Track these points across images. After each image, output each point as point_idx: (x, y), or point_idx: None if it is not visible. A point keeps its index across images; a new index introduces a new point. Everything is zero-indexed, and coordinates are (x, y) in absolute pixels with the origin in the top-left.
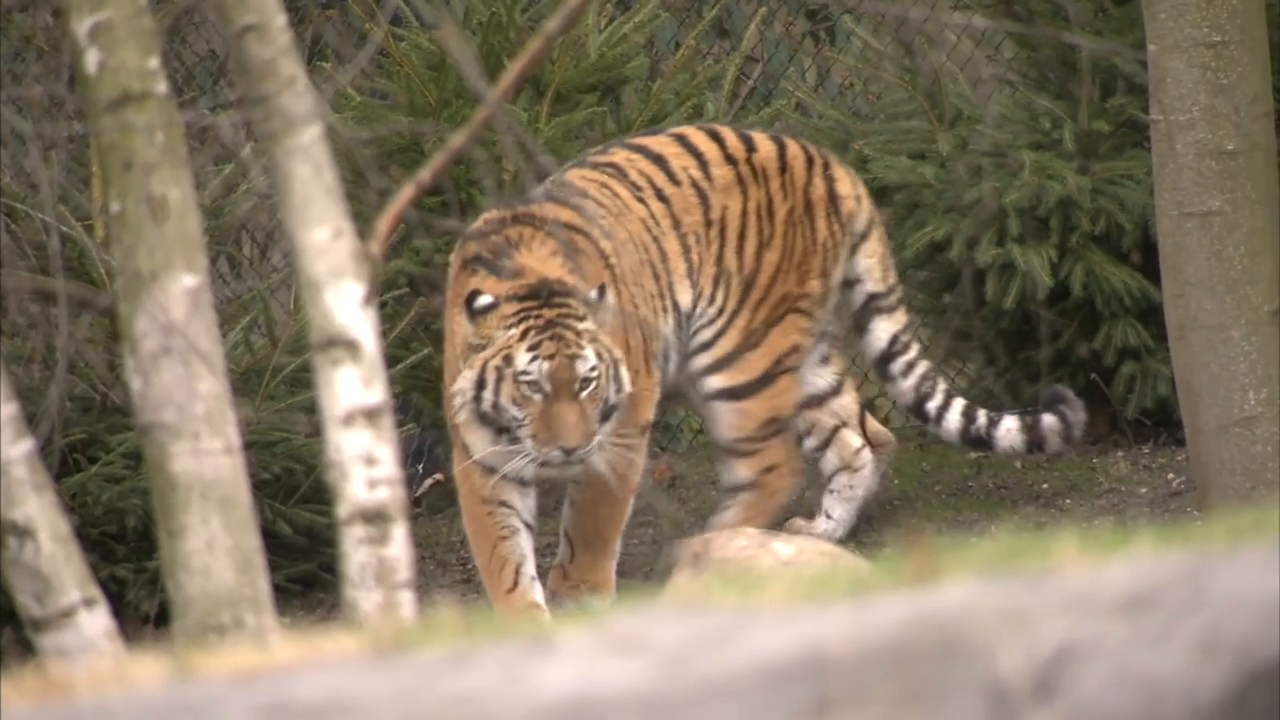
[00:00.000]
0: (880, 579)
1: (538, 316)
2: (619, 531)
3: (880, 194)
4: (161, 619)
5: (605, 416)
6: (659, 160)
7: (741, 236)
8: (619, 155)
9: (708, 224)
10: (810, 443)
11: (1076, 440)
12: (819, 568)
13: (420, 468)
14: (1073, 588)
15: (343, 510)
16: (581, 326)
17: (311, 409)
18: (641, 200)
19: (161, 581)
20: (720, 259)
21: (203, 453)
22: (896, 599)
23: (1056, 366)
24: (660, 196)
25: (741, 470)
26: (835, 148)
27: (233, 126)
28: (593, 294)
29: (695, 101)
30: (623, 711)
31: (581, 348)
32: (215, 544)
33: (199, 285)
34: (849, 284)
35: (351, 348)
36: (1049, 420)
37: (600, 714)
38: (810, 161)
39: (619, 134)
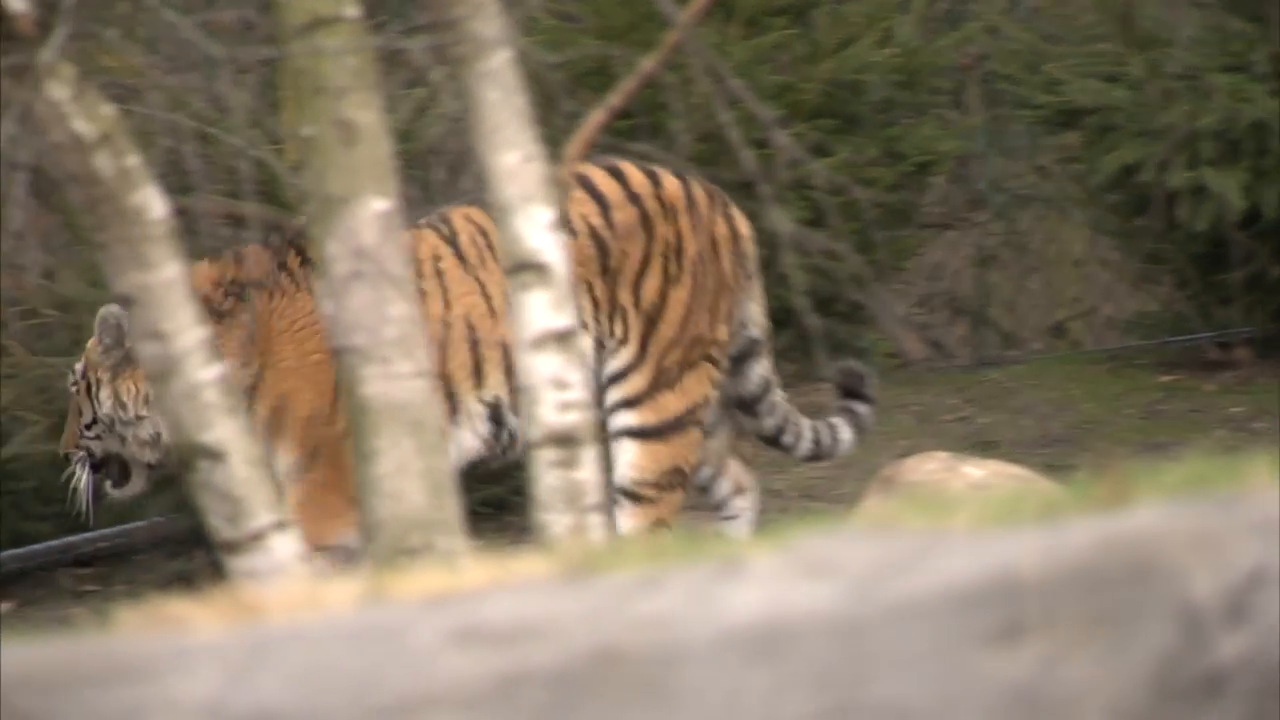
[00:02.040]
0: (1071, 502)
1: None
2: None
3: (1071, 117)
4: None
5: (120, 437)
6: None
7: (642, 274)
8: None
9: (603, 271)
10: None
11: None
12: (1009, 491)
13: None
14: (1265, 512)
15: (533, 433)
16: (90, 343)
17: None
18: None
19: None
20: (614, 297)
21: (393, 376)
22: (1087, 522)
23: (1249, 290)
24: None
25: (630, 522)
26: (1025, 70)
27: (423, 51)
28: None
29: (885, 24)
30: (811, 634)
31: (77, 362)
32: (406, 467)
33: (389, 209)
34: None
35: (541, 272)
36: (863, 410)
37: (789, 636)
38: (712, 199)
39: (809, 59)
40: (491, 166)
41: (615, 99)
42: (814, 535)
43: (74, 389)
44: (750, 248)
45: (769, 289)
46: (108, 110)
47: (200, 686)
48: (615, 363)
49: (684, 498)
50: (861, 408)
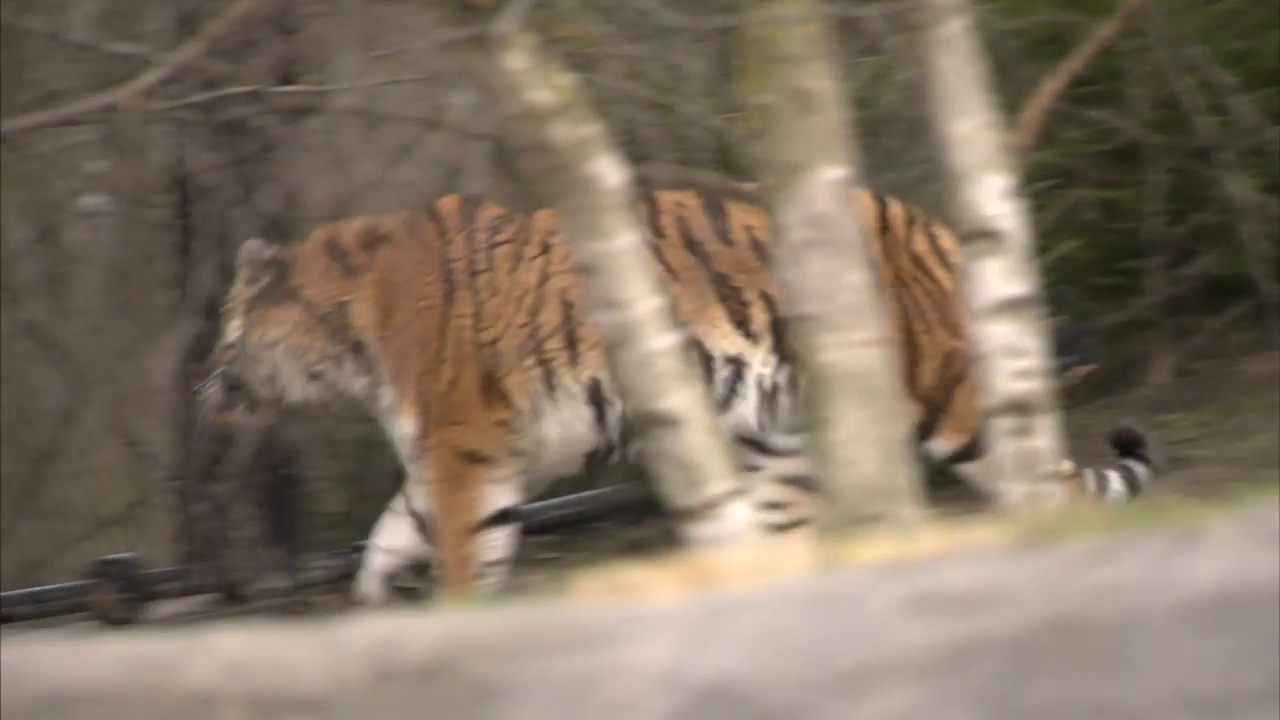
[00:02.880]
0: None
1: None
2: (462, 574)
3: None
4: None
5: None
6: (714, 214)
7: None
8: (673, 197)
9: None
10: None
11: None
12: None
13: (1070, 359)
14: None
15: (989, 401)
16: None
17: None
18: (651, 245)
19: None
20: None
21: (848, 344)
22: None
23: None
24: (692, 248)
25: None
26: None
27: (879, 18)
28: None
29: None
30: (1271, 605)
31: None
32: (861, 435)
33: (844, 177)
34: None
35: (995, 239)
36: (1140, 470)
37: (1247, 606)
38: (911, 220)
39: (1267, 24)
40: (946, 134)
41: (1072, 65)
42: (1273, 505)
43: (224, 311)
44: (958, 261)
45: (1225, 256)
46: (565, 80)
47: (657, 653)
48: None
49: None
50: (1139, 468)
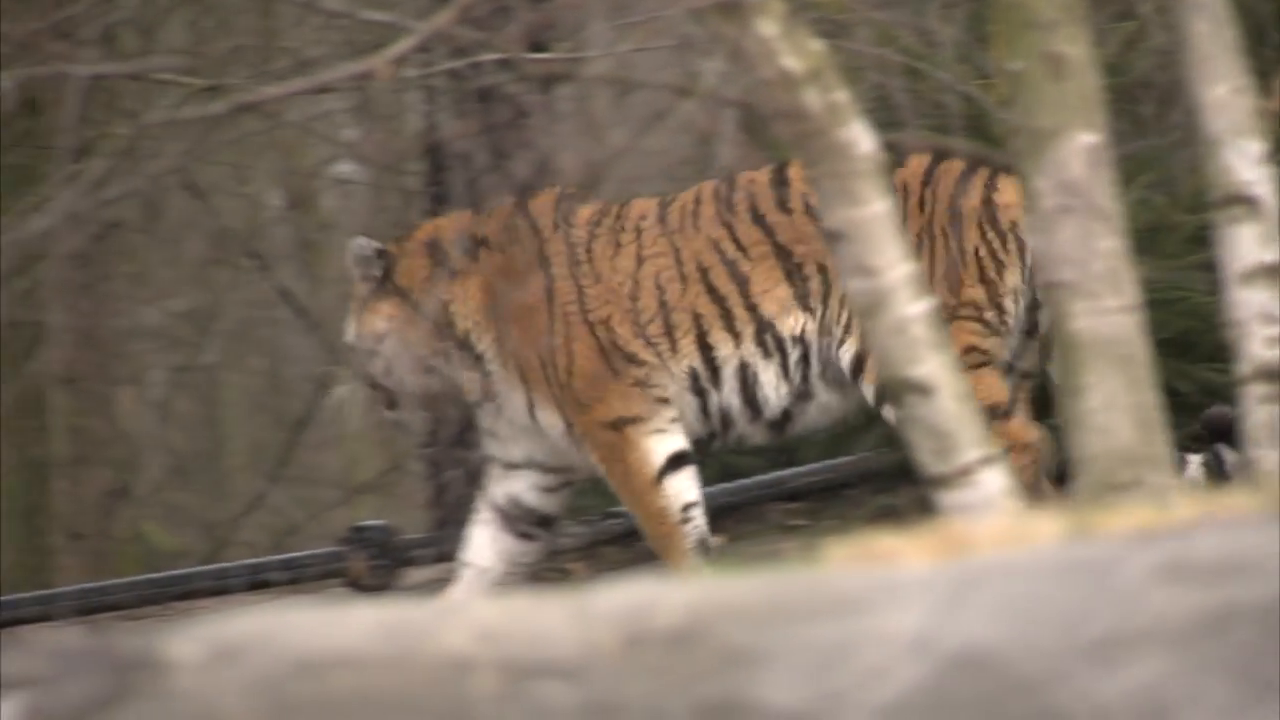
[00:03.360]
0: None
1: None
2: (664, 526)
3: None
4: (1061, 476)
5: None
6: (778, 186)
7: None
8: (747, 175)
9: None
10: None
11: None
12: None
13: None
14: None
15: (1242, 368)
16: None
17: (1210, 267)
18: (726, 224)
19: (1062, 439)
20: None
21: (1101, 311)
22: None
23: None
24: (759, 222)
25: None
26: None
27: None
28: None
29: None
30: None
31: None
32: (1114, 402)
33: (1097, 143)
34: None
35: (1250, 205)
36: (1230, 457)
37: None
38: (969, 171)
39: None
40: (1200, 99)
41: None
42: None
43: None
44: (1016, 215)
45: None
46: (816, 46)
47: (908, 620)
48: (849, 352)
49: (1009, 422)
50: (1229, 455)
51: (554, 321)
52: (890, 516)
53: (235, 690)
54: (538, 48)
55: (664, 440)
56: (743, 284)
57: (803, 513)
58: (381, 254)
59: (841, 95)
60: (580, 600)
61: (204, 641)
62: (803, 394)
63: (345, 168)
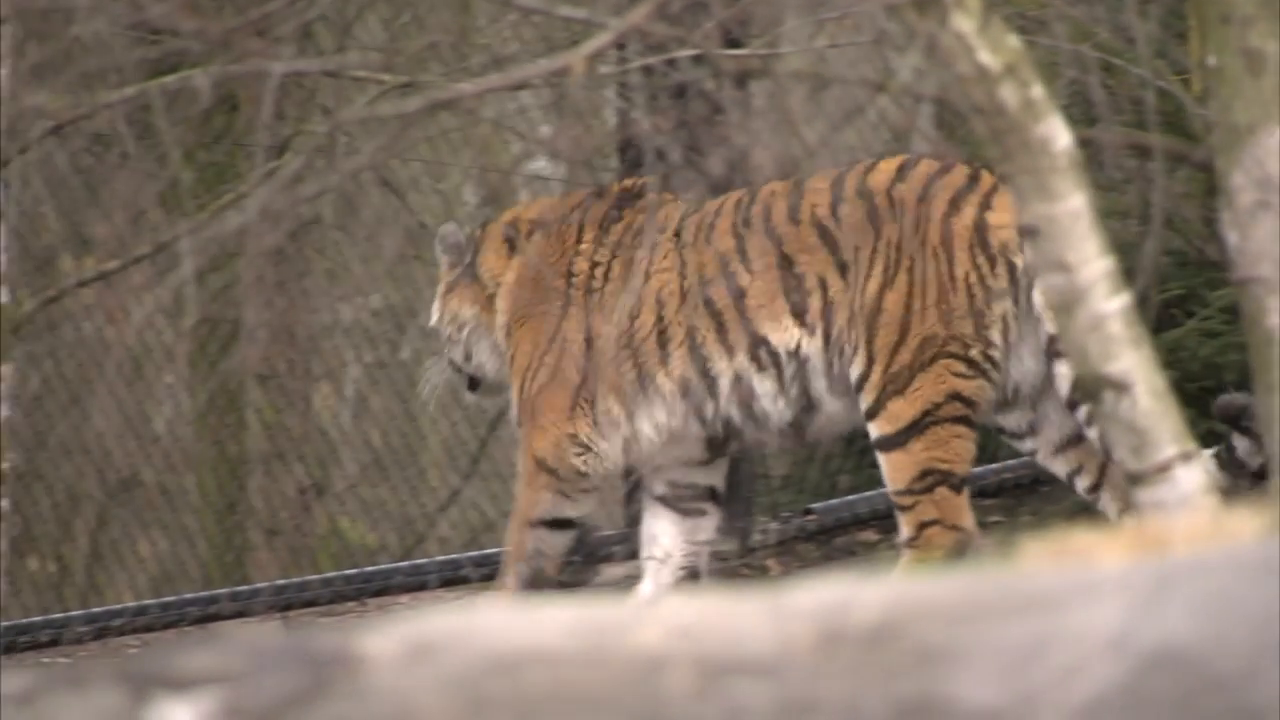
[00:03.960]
0: None
1: None
2: (511, 560)
3: None
4: (1260, 474)
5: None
6: (794, 196)
7: (868, 276)
8: (769, 185)
9: (840, 268)
10: (1081, 483)
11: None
12: None
13: None
14: None
15: None
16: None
17: None
18: (738, 236)
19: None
20: (851, 300)
21: None
22: None
23: None
24: (769, 233)
25: (902, 525)
26: None
27: None
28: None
29: None
30: None
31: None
32: None
33: None
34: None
35: None
36: (1242, 444)
37: None
38: (968, 189)
39: None
40: None
41: None
42: None
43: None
44: (1007, 237)
45: None
46: (1013, 41)
47: (1105, 618)
48: (854, 370)
49: (957, 496)
50: (1240, 442)
51: (553, 341)
52: (1087, 513)
53: (430, 687)
54: (733, 43)
55: (560, 503)
56: (739, 298)
57: (999, 509)
58: (469, 240)
59: (1038, 91)
60: (776, 598)
61: (399, 638)
62: (806, 406)
63: (540, 164)
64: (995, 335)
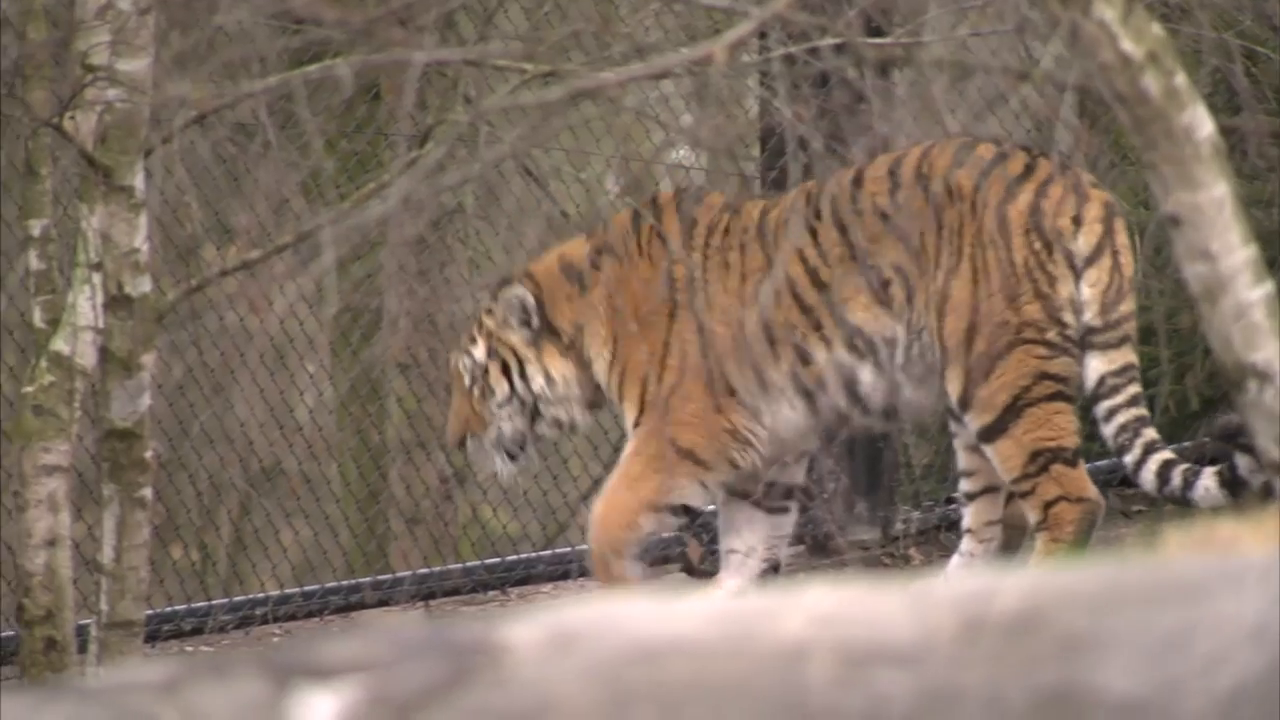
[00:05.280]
0: None
1: (479, 311)
2: (621, 541)
3: None
4: None
5: (531, 415)
6: (855, 187)
7: (936, 264)
8: (831, 180)
9: (914, 255)
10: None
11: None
12: None
13: None
14: None
15: None
16: (487, 322)
17: None
18: (811, 230)
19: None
20: (923, 286)
21: None
22: None
23: None
24: (840, 227)
25: (1028, 512)
26: None
27: None
28: (509, 291)
29: None
30: None
31: (474, 343)
32: None
33: None
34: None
35: None
36: (1243, 462)
37: None
38: (1026, 173)
39: None
40: None
41: None
42: None
43: (472, 370)
44: (1063, 224)
45: None
46: (1156, 29)
47: (1250, 607)
48: (934, 359)
49: (1073, 470)
50: (1243, 459)
51: (671, 343)
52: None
53: (572, 677)
54: (875, 32)
55: (695, 492)
56: (823, 291)
57: (1143, 499)
58: (537, 301)
59: (1181, 79)
60: (918, 587)
61: (542, 628)
62: (893, 390)
63: (682, 153)
64: (1068, 317)
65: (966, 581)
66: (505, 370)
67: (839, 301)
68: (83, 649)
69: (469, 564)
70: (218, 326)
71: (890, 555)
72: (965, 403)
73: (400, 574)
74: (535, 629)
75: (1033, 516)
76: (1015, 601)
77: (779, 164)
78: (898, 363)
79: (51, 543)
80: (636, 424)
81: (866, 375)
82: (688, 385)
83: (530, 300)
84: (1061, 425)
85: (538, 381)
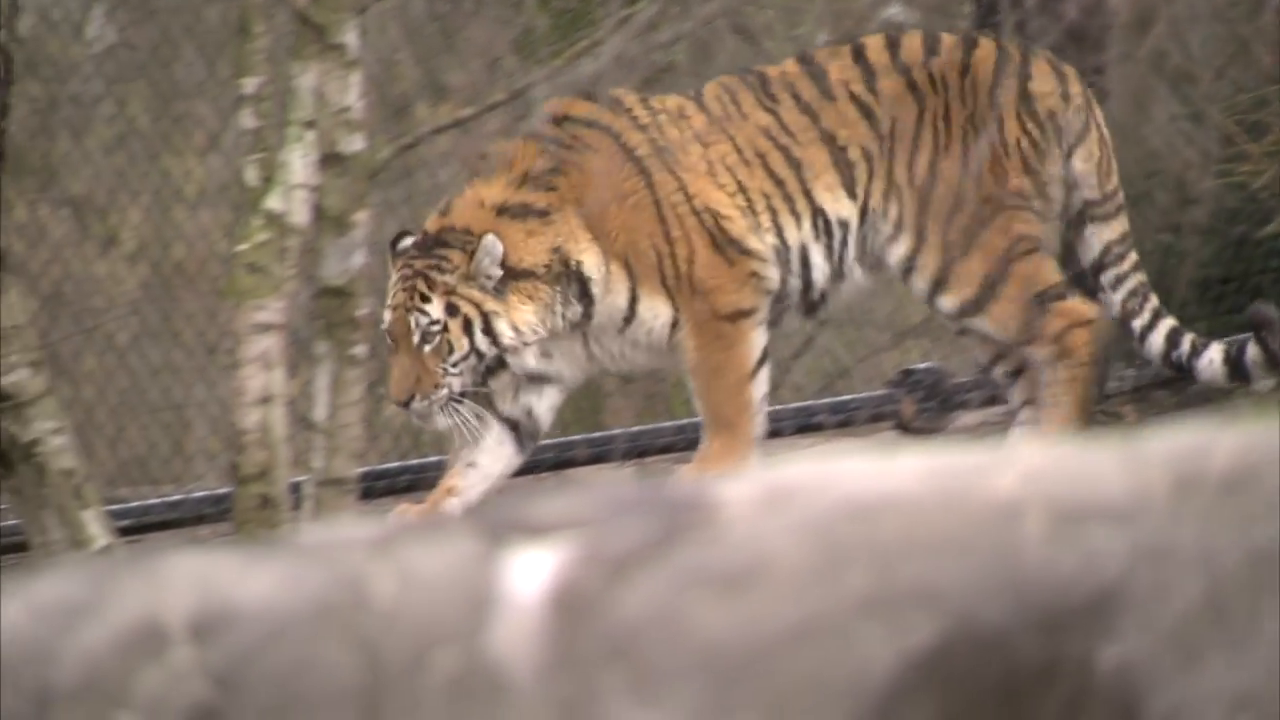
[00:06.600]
0: None
1: (408, 266)
2: (745, 417)
3: None
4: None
5: (488, 369)
6: (816, 75)
7: (915, 150)
8: (776, 68)
9: (878, 138)
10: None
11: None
12: None
13: None
14: None
15: None
16: (441, 278)
17: None
18: (771, 110)
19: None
20: (890, 173)
21: None
22: None
23: None
24: (804, 109)
25: (1040, 355)
26: None
27: None
28: (488, 241)
29: None
30: None
31: (427, 300)
32: None
33: None
34: (1066, 190)
35: None
36: (1252, 352)
37: None
38: (1005, 60)
39: None
40: None
41: None
42: None
43: (425, 327)
44: (1054, 104)
45: None
46: None
47: None
48: (899, 249)
49: (1068, 301)
50: (1253, 348)
51: (663, 209)
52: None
53: (786, 534)
54: None
55: (764, 335)
56: (797, 169)
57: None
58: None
59: None
60: (1131, 445)
61: (755, 485)
62: (839, 274)
63: (896, 9)
64: (1055, 192)
65: (1180, 438)
66: (467, 326)
67: (809, 178)
68: (296, 506)
69: (681, 422)
70: (430, 185)
71: (1104, 413)
72: (941, 283)
73: (613, 431)
74: (749, 486)
75: (1045, 354)
76: (1229, 459)
77: (992, 20)
78: (849, 248)
79: (265, 400)
80: (675, 314)
81: (818, 259)
82: (698, 250)
83: (500, 248)
84: (1047, 270)
85: (506, 335)
